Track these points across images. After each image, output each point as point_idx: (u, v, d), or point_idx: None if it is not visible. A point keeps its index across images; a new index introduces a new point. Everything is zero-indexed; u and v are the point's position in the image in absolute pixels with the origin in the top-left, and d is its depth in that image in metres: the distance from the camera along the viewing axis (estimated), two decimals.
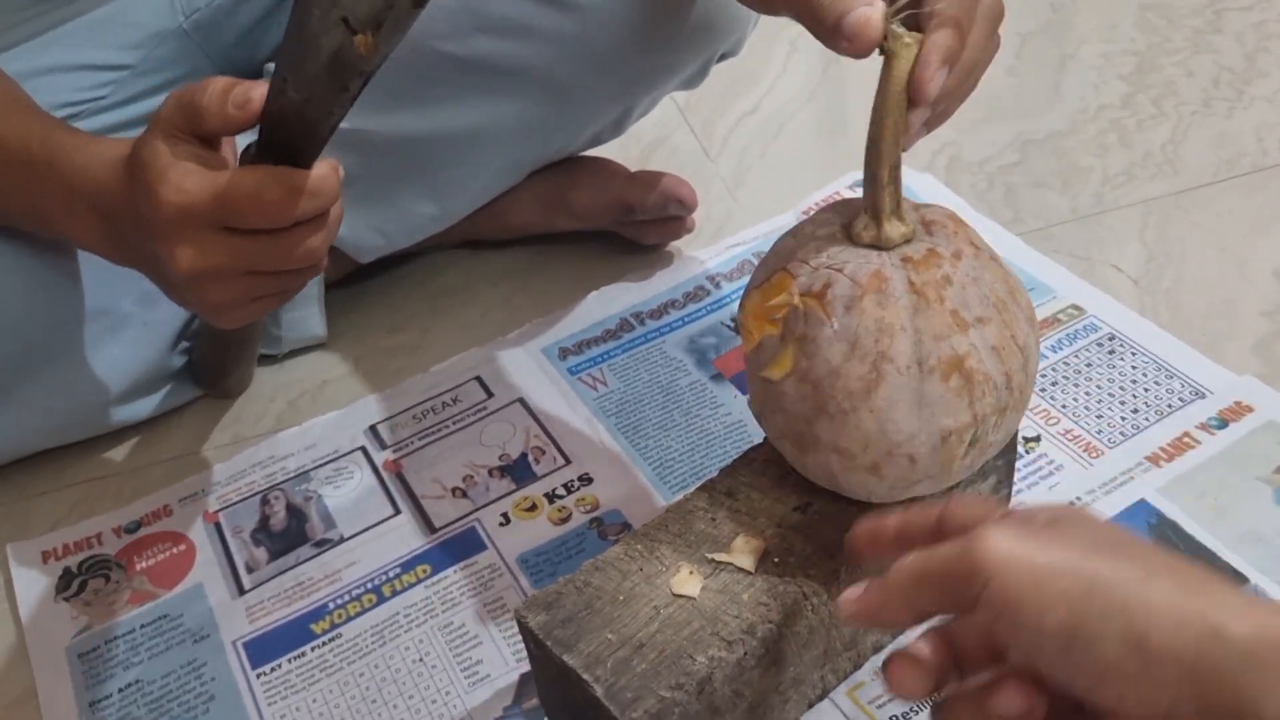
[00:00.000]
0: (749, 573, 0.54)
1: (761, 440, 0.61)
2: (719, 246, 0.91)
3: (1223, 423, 0.72)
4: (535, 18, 0.70)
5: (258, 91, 0.52)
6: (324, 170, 0.53)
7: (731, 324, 0.84)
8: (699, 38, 0.75)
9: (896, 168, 0.51)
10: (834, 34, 0.48)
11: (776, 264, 0.54)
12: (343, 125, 0.81)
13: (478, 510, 0.73)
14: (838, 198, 0.82)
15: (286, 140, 0.52)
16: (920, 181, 0.94)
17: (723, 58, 0.81)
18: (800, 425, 0.53)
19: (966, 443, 0.52)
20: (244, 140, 0.56)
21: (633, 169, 0.92)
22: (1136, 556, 0.38)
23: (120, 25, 0.78)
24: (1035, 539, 0.38)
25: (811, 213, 0.65)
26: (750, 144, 1.04)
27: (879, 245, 0.52)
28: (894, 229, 0.52)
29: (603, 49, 0.72)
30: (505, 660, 0.64)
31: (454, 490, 0.74)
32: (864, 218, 0.52)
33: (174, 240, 0.53)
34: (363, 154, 0.77)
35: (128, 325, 0.77)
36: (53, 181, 0.60)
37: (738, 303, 0.60)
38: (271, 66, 0.81)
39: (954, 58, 0.49)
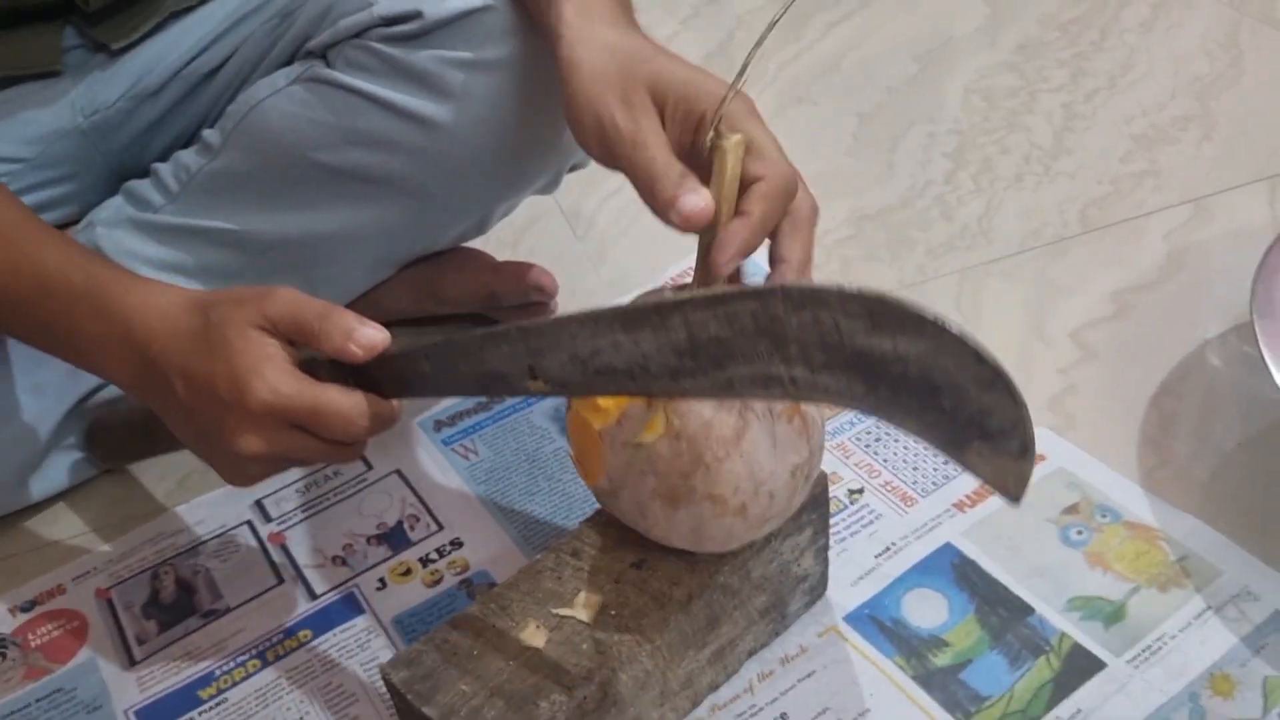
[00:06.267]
0: (588, 625, 0.62)
1: None
2: None
3: None
4: (401, 134, 0.77)
5: (381, 338, 0.57)
6: (400, 403, 0.60)
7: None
8: (550, 155, 0.83)
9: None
10: (666, 210, 0.55)
11: None
12: (226, 226, 0.87)
13: (356, 576, 0.79)
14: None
15: (385, 379, 0.58)
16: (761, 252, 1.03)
17: (574, 168, 0.90)
18: (675, 481, 0.59)
19: (804, 475, 0.61)
20: None
21: (507, 247, 1.00)
22: None
23: (18, 122, 0.84)
24: None
25: (668, 288, 0.72)
26: (613, 223, 1.12)
27: None
28: None
29: (462, 163, 0.79)
30: (380, 716, 0.70)
31: (334, 559, 0.81)
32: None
33: (248, 428, 0.57)
34: (244, 252, 0.84)
35: (16, 415, 0.82)
36: (93, 316, 0.62)
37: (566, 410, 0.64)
38: (159, 167, 0.86)
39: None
